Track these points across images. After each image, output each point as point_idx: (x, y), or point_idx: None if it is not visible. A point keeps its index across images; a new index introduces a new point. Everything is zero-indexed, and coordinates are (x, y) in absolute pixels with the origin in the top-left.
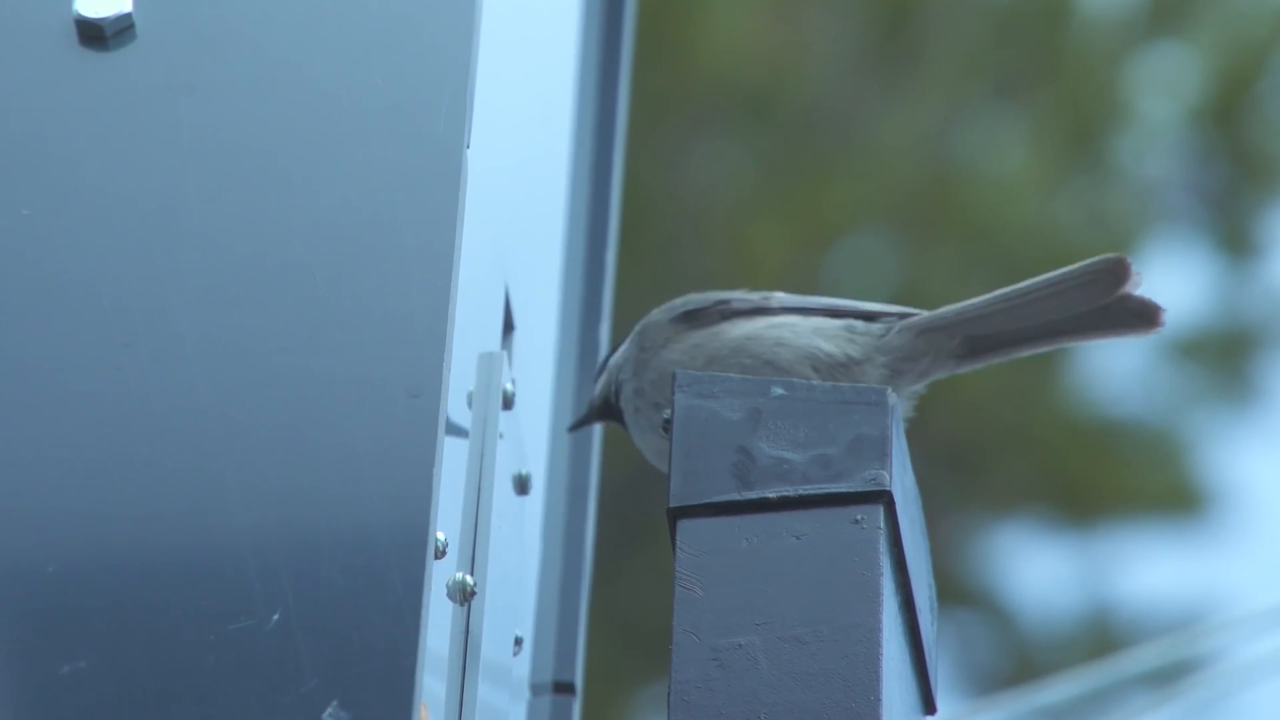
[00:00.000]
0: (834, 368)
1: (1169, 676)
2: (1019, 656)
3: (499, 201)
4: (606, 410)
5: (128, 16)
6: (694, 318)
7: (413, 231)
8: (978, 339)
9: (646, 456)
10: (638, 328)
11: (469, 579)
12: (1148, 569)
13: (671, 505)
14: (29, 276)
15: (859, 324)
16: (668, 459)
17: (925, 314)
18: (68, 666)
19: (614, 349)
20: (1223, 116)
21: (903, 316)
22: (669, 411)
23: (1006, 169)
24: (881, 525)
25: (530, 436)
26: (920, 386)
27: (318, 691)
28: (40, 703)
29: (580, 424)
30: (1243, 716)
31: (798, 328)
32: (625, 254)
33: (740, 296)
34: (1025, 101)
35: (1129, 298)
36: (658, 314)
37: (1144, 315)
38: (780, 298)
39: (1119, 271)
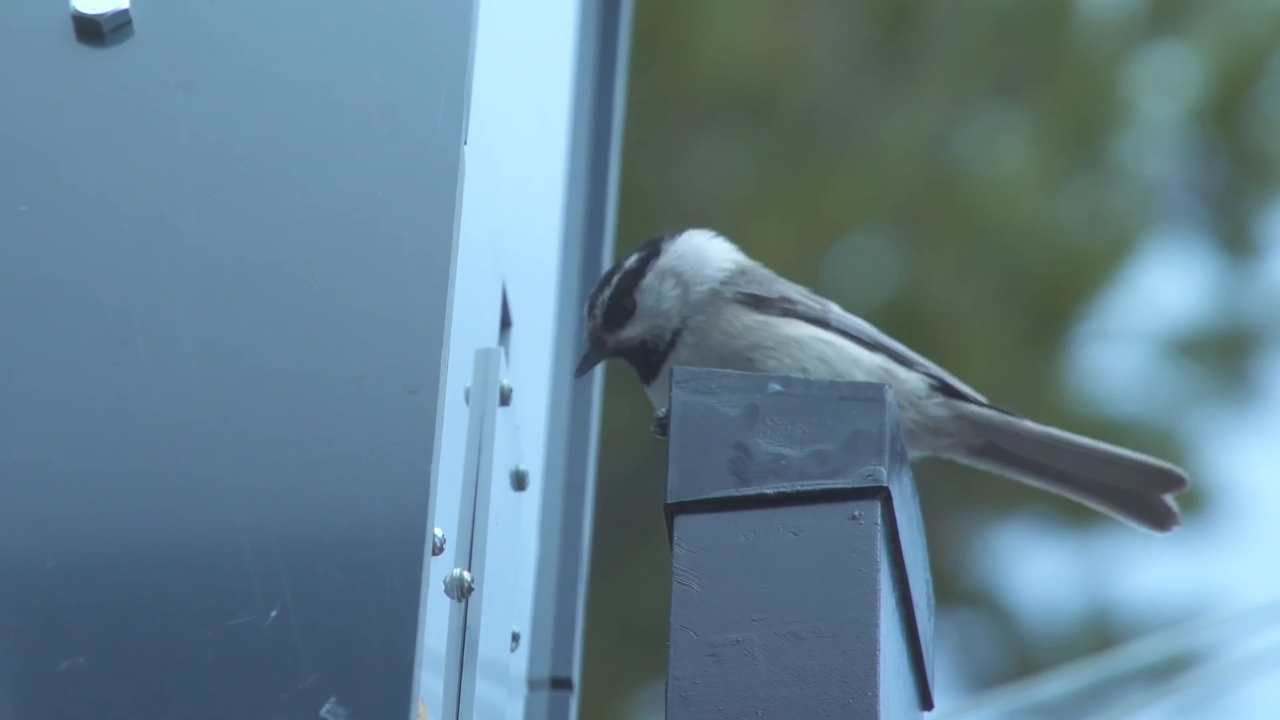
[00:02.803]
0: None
1: (1166, 672)
2: (1019, 656)
3: (496, 198)
4: (636, 353)
5: (125, 13)
6: (760, 303)
7: (410, 228)
8: (1005, 452)
9: None
10: (675, 274)
11: (467, 575)
12: (1147, 568)
13: (669, 501)
14: (27, 273)
15: (899, 370)
16: (664, 454)
17: (979, 406)
18: (66, 663)
19: (626, 285)
20: (1223, 116)
21: (935, 378)
22: (663, 411)
23: (1007, 169)
24: (879, 521)
25: (528, 432)
26: (919, 455)
27: (316, 687)
28: (39, 699)
29: (589, 365)
30: (1240, 711)
31: (843, 350)
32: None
33: (805, 299)
34: (1025, 101)
35: (1161, 499)
36: (727, 286)
37: (1160, 517)
38: (837, 315)
39: (1176, 483)
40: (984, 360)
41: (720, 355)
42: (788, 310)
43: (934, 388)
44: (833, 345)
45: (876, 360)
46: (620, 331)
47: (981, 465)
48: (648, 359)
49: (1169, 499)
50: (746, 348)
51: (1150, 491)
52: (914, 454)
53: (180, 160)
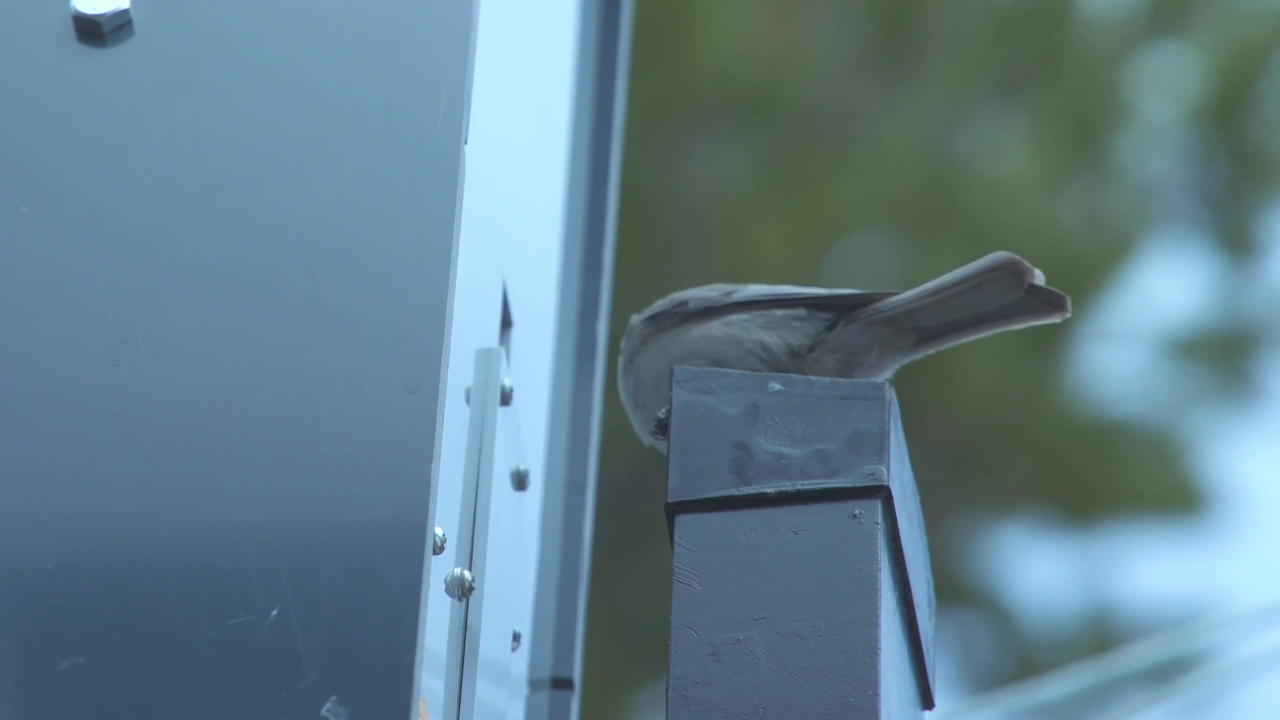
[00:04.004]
0: (780, 358)
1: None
2: (1020, 656)
3: (497, 197)
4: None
5: (125, 13)
6: (659, 320)
7: (411, 228)
8: (922, 330)
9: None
10: (627, 327)
11: (467, 574)
12: (1148, 568)
13: (670, 500)
14: (27, 273)
15: (803, 312)
16: (665, 455)
17: (866, 309)
18: (66, 662)
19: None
20: (1223, 116)
21: (854, 302)
22: (664, 411)
23: (1007, 169)
24: (879, 520)
25: (528, 432)
26: (886, 375)
27: (316, 687)
28: (39, 698)
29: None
30: (1240, 713)
31: (748, 324)
32: (625, 253)
33: (698, 295)
34: (1026, 101)
35: (1038, 289)
36: (635, 316)
37: (1053, 304)
38: (747, 291)
39: (1015, 269)
40: (984, 360)
41: (653, 388)
42: (683, 315)
43: (829, 324)
44: (737, 323)
45: (783, 313)
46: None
47: (927, 351)
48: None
49: (1039, 284)
50: (669, 365)
51: (1018, 289)
52: (885, 376)
53: (180, 160)
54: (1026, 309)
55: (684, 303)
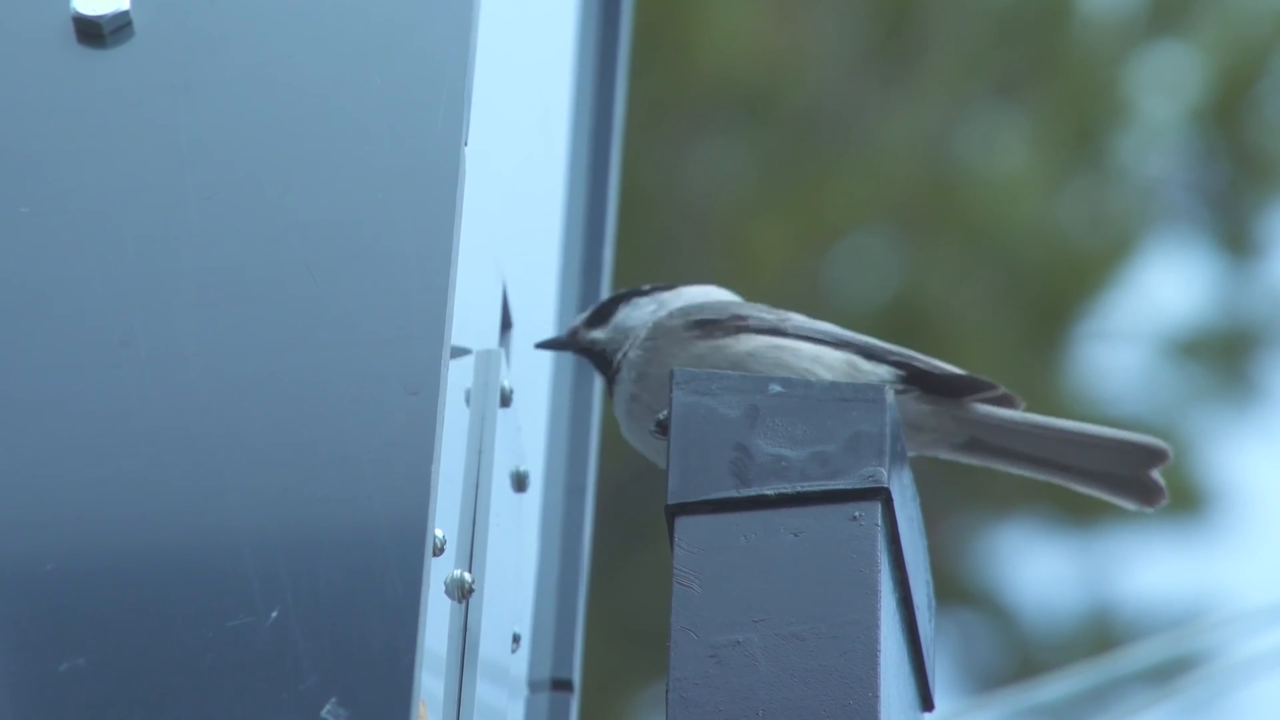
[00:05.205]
0: None
1: (1167, 673)
2: (1020, 656)
3: (497, 199)
4: (598, 358)
5: (125, 14)
6: (708, 328)
7: (411, 229)
8: (987, 444)
9: (625, 436)
10: (654, 321)
11: (467, 576)
12: (1148, 568)
13: (670, 502)
14: (27, 274)
15: (864, 364)
16: (665, 457)
17: (956, 398)
18: (66, 664)
19: (626, 298)
20: (1223, 116)
21: (904, 366)
22: (665, 413)
23: (1007, 169)
24: (879, 522)
25: (528, 434)
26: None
27: (316, 689)
28: (39, 700)
29: (554, 346)
30: (1241, 713)
31: (800, 351)
32: (625, 253)
33: (759, 315)
34: (1026, 101)
35: (1148, 475)
36: (675, 317)
37: (1148, 493)
38: (796, 322)
39: (1159, 458)
40: (985, 361)
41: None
42: (740, 328)
43: (904, 379)
44: (789, 349)
45: (840, 356)
46: (590, 331)
47: (967, 459)
48: (605, 368)
49: (1155, 474)
50: None
51: (1135, 469)
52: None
53: (180, 162)
54: (1119, 485)
55: (742, 318)
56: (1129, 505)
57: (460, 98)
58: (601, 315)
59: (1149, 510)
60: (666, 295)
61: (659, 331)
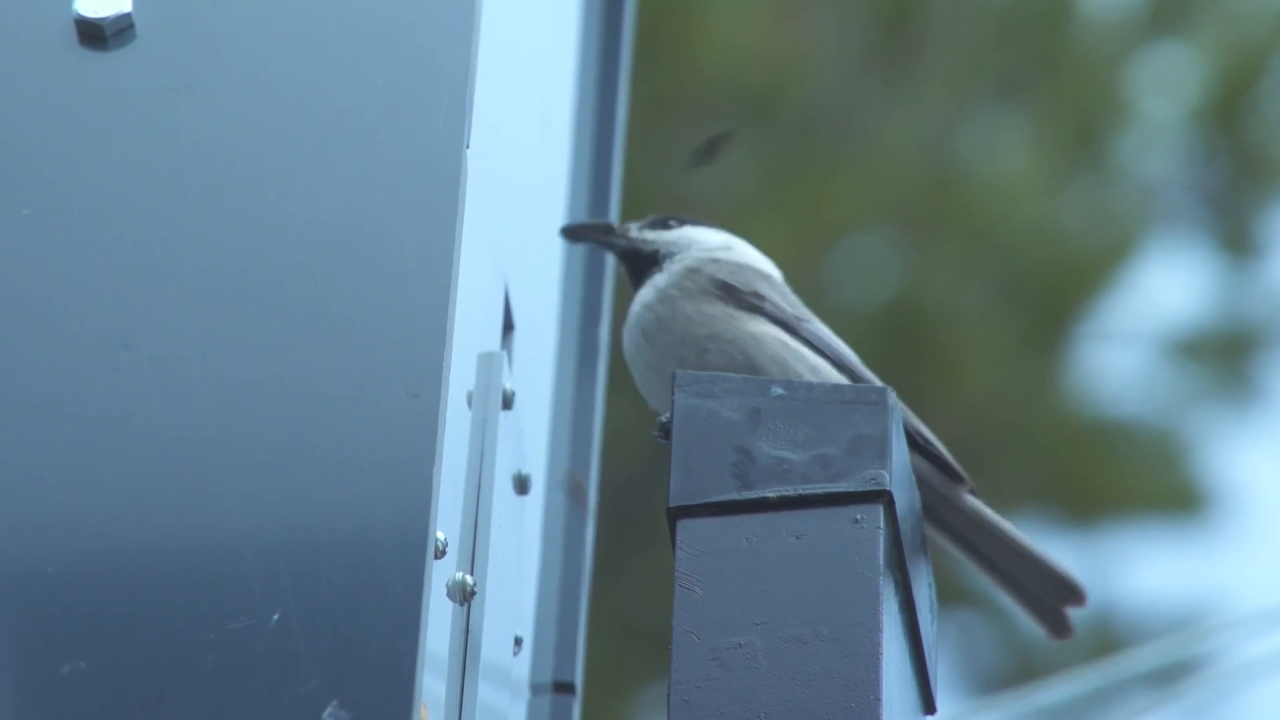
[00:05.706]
0: None
1: (1169, 676)
2: (1022, 659)
3: (499, 201)
4: (632, 256)
5: (127, 16)
6: (730, 291)
7: (413, 231)
8: (939, 516)
9: (625, 347)
10: (711, 256)
11: (469, 579)
12: (1148, 569)
13: (671, 505)
14: (29, 276)
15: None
16: (666, 458)
17: (928, 463)
18: (68, 666)
19: (695, 222)
20: (1224, 116)
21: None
22: (666, 416)
23: (1008, 169)
24: (881, 525)
25: (530, 436)
26: None
27: (318, 691)
28: (40, 702)
29: (584, 236)
30: (1243, 716)
31: (801, 356)
32: None
33: (778, 302)
34: (1026, 101)
35: (1061, 610)
36: (711, 267)
37: (1058, 627)
38: (812, 328)
39: (1076, 597)
40: (985, 361)
41: (678, 337)
42: (755, 306)
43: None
44: (791, 349)
45: (836, 376)
46: (646, 232)
47: (929, 527)
48: (640, 263)
49: (1069, 612)
50: (705, 336)
51: (1053, 597)
52: None
53: (182, 164)
54: (1037, 606)
55: (762, 298)
56: (1040, 628)
57: (462, 100)
58: (664, 224)
59: (1052, 641)
60: (734, 242)
61: (704, 264)
